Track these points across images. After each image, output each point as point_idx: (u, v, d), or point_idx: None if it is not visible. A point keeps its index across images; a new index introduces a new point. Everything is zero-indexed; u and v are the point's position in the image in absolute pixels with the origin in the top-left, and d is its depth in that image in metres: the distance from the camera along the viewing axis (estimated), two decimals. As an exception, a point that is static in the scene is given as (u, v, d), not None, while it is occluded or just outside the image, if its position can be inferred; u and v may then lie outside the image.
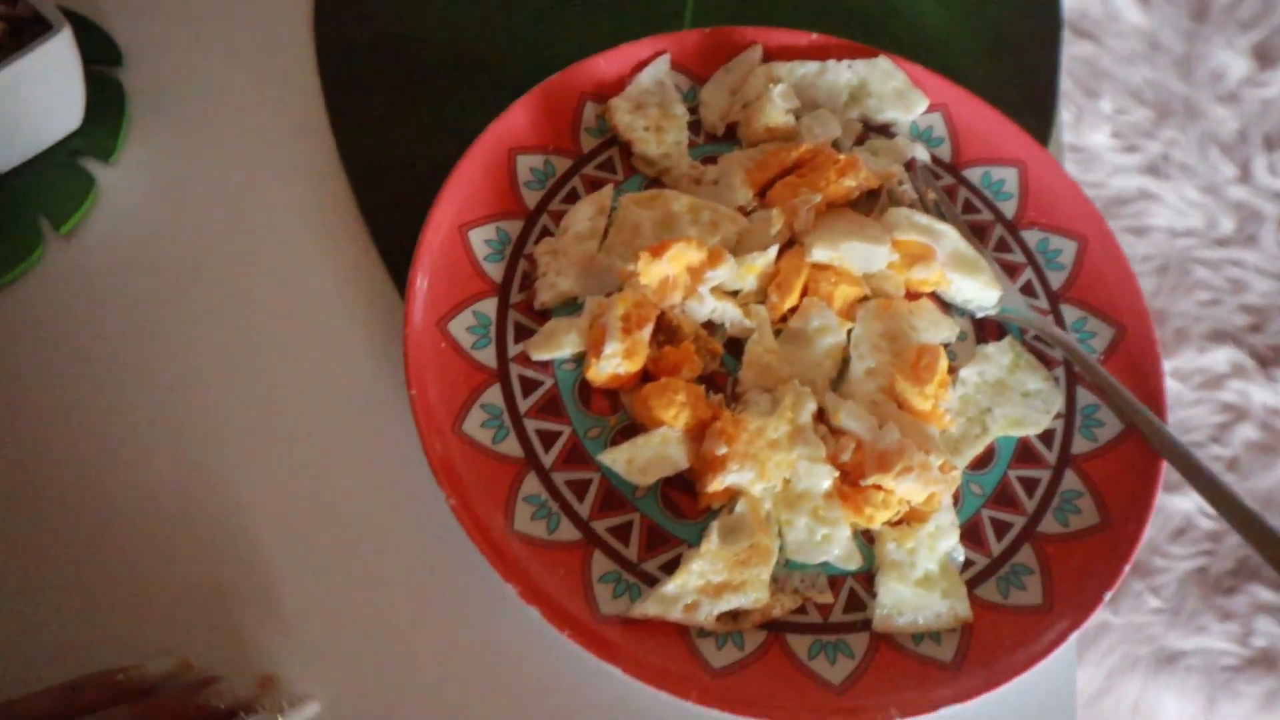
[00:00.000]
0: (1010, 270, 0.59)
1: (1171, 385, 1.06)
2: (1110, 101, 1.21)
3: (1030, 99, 0.66)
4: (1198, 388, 1.08)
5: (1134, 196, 1.17)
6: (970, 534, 0.52)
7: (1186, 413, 1.06)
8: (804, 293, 0.55)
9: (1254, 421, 1.06)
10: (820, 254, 0.54)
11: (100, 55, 0.59)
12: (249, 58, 0.61)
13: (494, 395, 0.51)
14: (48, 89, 0.53)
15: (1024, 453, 0.54)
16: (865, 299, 0.55)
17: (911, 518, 0.51)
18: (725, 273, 0.53)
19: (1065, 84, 1.20)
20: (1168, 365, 1.07)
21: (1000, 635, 0.49)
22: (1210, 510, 1.03)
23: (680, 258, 0.52)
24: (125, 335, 0.52)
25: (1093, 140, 1.19)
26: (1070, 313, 0.58)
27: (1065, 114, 1.19)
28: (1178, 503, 1.01)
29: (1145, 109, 1.21)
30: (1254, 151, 1.19)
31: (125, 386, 0.51)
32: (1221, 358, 1.08)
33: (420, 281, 0.52)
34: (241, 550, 0.48)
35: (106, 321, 0.53)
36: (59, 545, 0.47)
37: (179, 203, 0.56)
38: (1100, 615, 0.98)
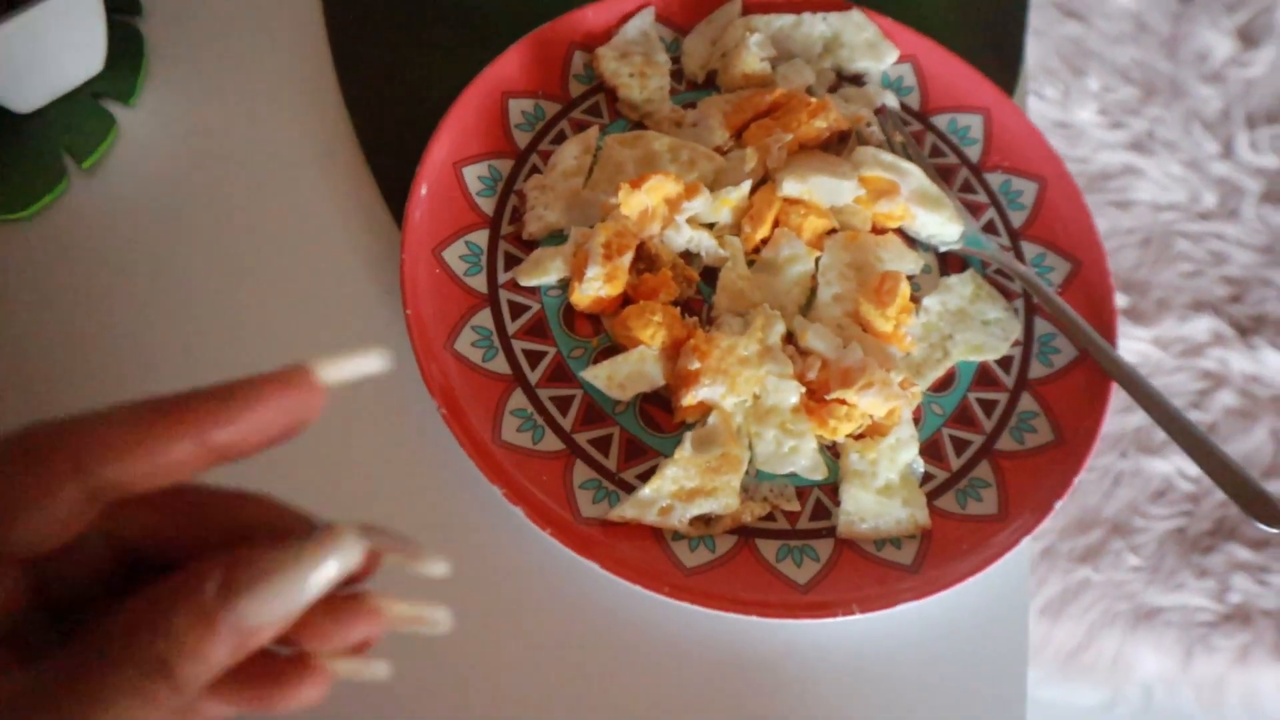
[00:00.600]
0: (974, 210, 0.62)
1: (1152, 352, 1.10)
2: (1097, 79, 1.24)
3: (996, 50, 0.69)
4: (1179, 355, 1.11)
5: (1119, 171, 1.20)
6: (931, 450, 0.55)
7: (1168, 379, 1.10)
8: (775, 224, 0.58)
9: (1233, 388, 1.09)
10: (791, 188, 0.57)
11: (121, 5, 0.62)
12: (259, 7, 0.65)
13: (484, 318, 0.55)
14: (72, 33, 0.56)
15: (983, 377, 0.58)
16: (833, 231, 0.59)
17: (873, 431, 0.54)
18: (701, 204, 0.56)
19: (1053, 62, 1.24)
20: (1149, 333, 1.10)
21: (957, 541, 0.53)
22: (1190, 473, 1.06)
23: (659, 190, 0.55)
24: (143, 262, 0.56)
25: (1079, 116, 1.22)
26: (1030, 249, 0.61)
27: (1052, 91, 1.22)
28: (1158, 465, 1.05)
29: (1131, 87, 1.25)
30: (1236, 129, 1.22)
31: (144, 309, 0.55)
32: (1202, 327, 1.11)
33: (417, 213, 0.56)
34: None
35: (125, 249, 0.57)
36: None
37: (193, 142, 0.60)
38: (1080, 573, 1.02)
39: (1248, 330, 1.12)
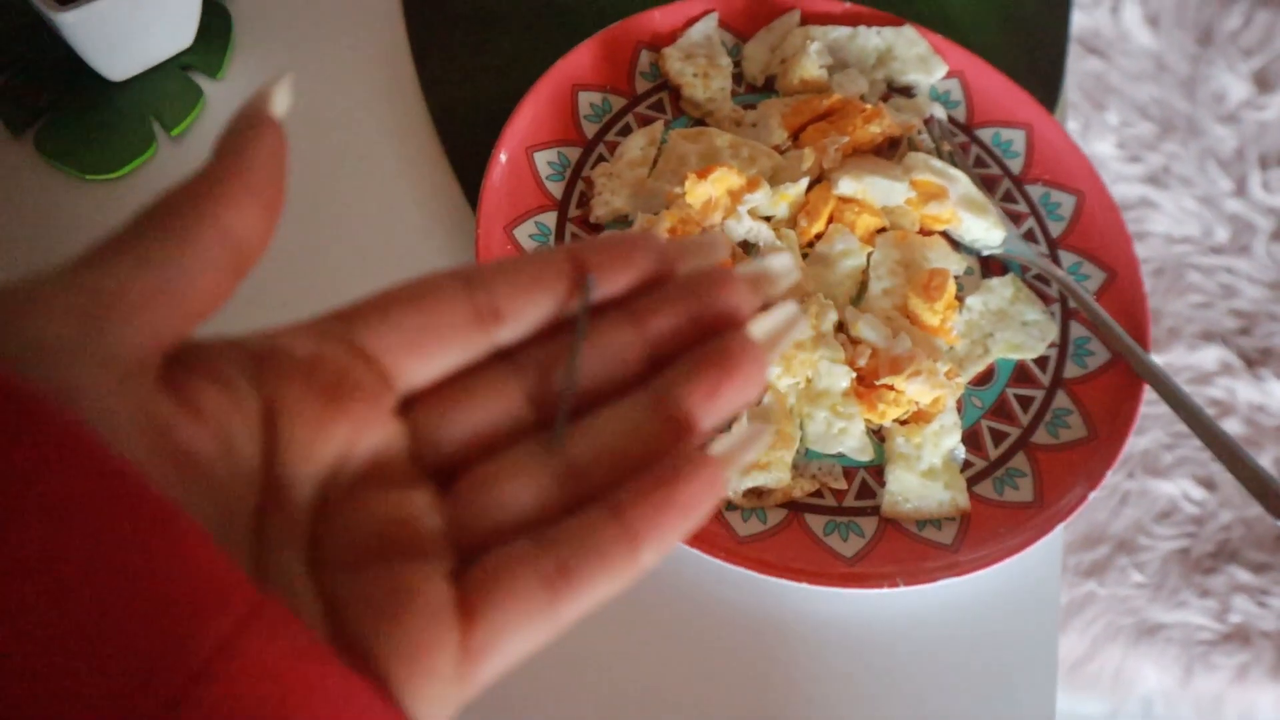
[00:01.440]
0: (1015, 219, 0.66)
1: (1162, 377, 1.12)
2: (1116, 114, 1.28)
3: (1037, 71, 0.72)
4: (1187, 383, 1.14)
5: (1135, 203, 1.24)
6: (970, 440, 0.58)
7: (1176, 404, 1.13)
8: (830, 220, 0.61)
9: (1239, 416, 1.12)
10: (846, 186, 0.60)
11: (212, -15, 0.65)
12: (342, -6, 0.68)
13: (551, 294, 0.58)
14: (166, 8, 0.59)
15: (1021, 374, 0.61)
16: (884, 230, 0.62)
17: (919, 418, 0.57)
18: (761, 197, 0.59)
19: (1074, 95, 1.28)
20: (1159, 360, 1.14)
21: (995, 525, 0.55)
22: (1195, 495, 1.09)
23: (722, 181, 0.58)
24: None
25: (1098, 149, 1.26)
26: (1067, 257, 0.65)
27: (1073, 124, 1.26)
28: (1164, 487, 1.08)
29: (1149, 123, 1.29)
30: (1250, 168, 1.26)
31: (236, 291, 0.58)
32: (1211, 356, 1.15)
33: (491, 191, 0.58)
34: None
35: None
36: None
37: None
38: (1086, 586, 1.04)
39: (1255, 362, 1.15)
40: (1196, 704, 1.02)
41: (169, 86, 0.62)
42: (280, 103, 0.30)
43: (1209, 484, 1.08)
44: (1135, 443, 1.08)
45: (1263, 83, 1.31)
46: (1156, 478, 1.08)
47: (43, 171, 0.59)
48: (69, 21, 0.55)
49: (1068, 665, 1.03)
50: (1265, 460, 1.09)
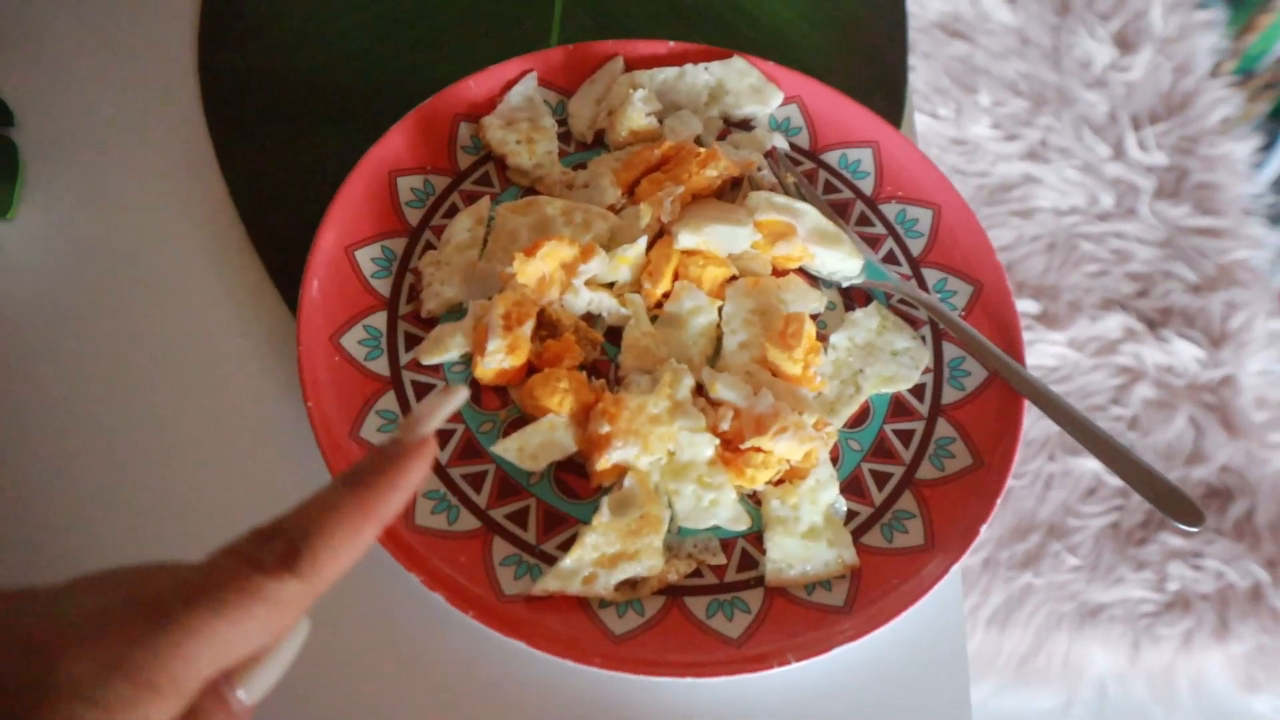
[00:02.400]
0: (873, 241, 0.63)
1: (1069, 354, 1.11)
2: (988, 95, 1.27)
3: (880, 83, 0.70)
4: (1094, 354, 1.13)
5: (1018, 181, 1.22)
6: (852, 487, 0.55)
7: (1085, 379, 1.12)
8: (675, 278, 0.58)
9: (1149, 380, 1.11)
10: (687, 240, 0.57)
11: (-11, 118, 0.61)
12: (136, 104, 0.64)
13: (389, 401, 0.54)
14: (-66, 153, 0.55)
15: (898, 408, 0.58)
16: (734, 278, 0.59)
17: (792, 475, 0.54)
18: (597, 266, 0.56)
19: (943, 81, 1.26)
20: (1064, 336, 1.12)
21: (887, 576, 0.52)
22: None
23: (553, 255, 0.55)
24: (30, 375, 0.55)
25: (974, 132, 1.25)
26: (931, 275, 0.62)
27: (946, 109, 1.25)
28: (1086, 464, 1.06)
29: (1021, 99, 1.28)
30: (1124, 131, 1.25)
31: (31, 422, 0.53)
32: (1113, 324, 1.14)
33: (310, 301, 0.55)
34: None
35: (11, 364, 0.55)
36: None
37: (75, 250, 0.59)
38: (1023, 579, 1.02)
39: (1156, 323, 1.14)
40: (1149, 679, 1.01)
41: (-50, 236, 0.57)
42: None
43: (1129, 454, 1.07)
44: (1051, 424, 1.06)
45: (1124, 44, 1.31)
46: (1077, 455, 1.06)
47: None
48: None
49: (1015, 661, 1.01)
50: (1179, 420, 1.08)
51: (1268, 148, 1.28)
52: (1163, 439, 1.08)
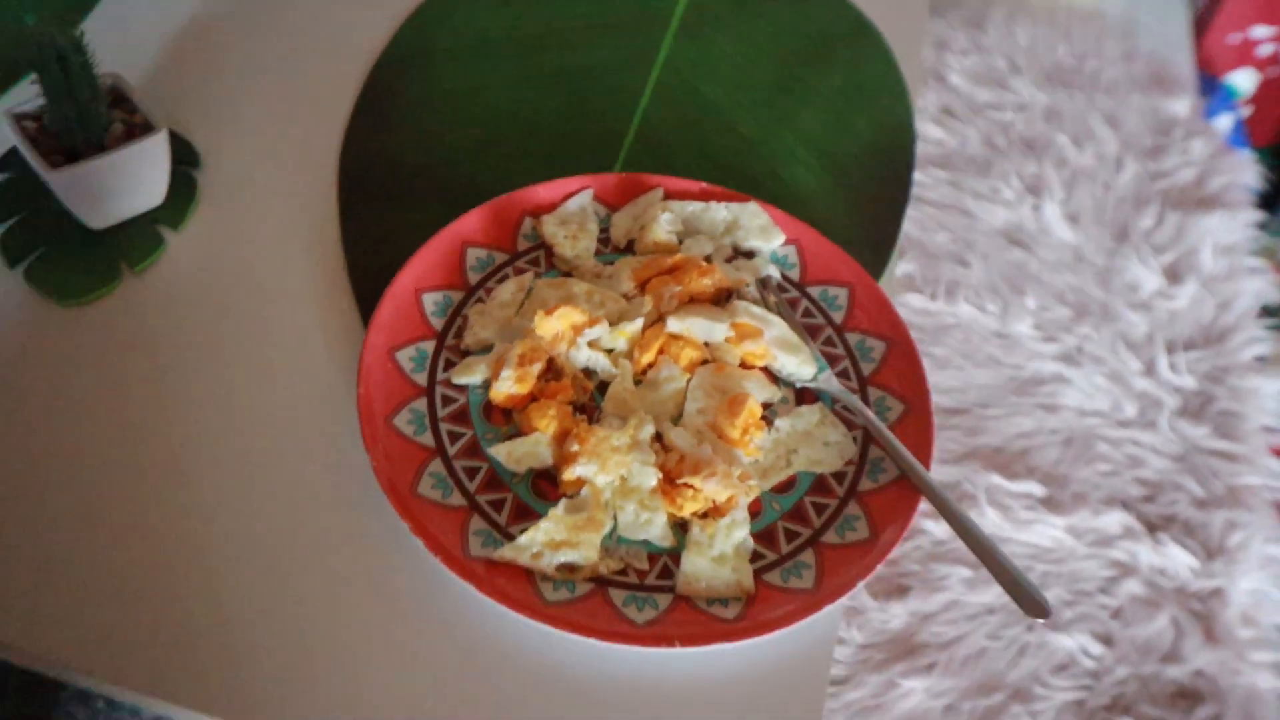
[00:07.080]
0: (833, 360, 0.77)
1: (1065, 539, 1.21)
2: (1034, 299, 1.40)
3: (869, 242, 0.86)
4: (1090, 544, 1.22)
5: (1049, 379, 1.34)
6: (766, 536, 0.68)
7: (1078, 564, 1.20)
8: (660, 353, 0.74)
9: (1140, 578, 1.19)
10: (674, 325, 0.73)
11: (184, 158, 0.82)
12: (288, 167, 0.85)
13: (420, 404, 0.70)
14: (144, 172, 0.75)
15: (821, 485, 0.71)
16: (706, 362, 0.74)
17: (715, 512, 0.67)
18: (600, 332, 0.72)
19: (996, 281, 1.41)
20: (1063, 521, 1.22)
21: (776, 605, 0.65)
22: (1093, 650, 1.15)
23: (566, 317, 0.71)
24: (170, 350, 0.73)
25: (1016, 329, 1.38)
26: (874, 392, 0.76)
27: (993, 306, 1.39)
28: (1063, 641, 1.14)
29: (1065, 308, 1.41)
30: (1158, 351, 1.37)
31: (160, 389, 0.71)
32: (1114, 520, 1.23)
33: (380, 321, 0.72)
34: (205, 502, 0.67)
35: (160, 340, 0.74)
36: (61, 531, 0.65)
37: (222, 265, 0.78)
38: (988, 732, 1.09)
39: (1156, 527, 1.22)
40: None
41: (138, 234, 0.77)
42: None
43: (1107, 640, 1.14)
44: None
45: (1172, 275, 1.43)
46: (1056, 632, 1.14)
47: (27, 296, 0.74)
48: (57, 181, 0.71)
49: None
50: (1162, 619, 1.15)
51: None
52: (1142, 633, 1.14)
